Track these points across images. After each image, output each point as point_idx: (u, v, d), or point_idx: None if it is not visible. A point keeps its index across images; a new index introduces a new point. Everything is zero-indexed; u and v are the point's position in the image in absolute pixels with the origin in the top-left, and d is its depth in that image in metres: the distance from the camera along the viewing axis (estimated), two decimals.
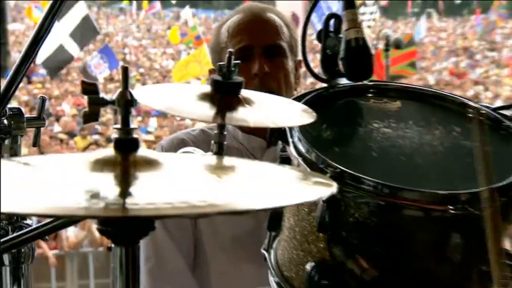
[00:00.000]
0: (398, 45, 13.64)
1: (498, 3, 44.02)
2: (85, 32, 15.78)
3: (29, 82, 24.77)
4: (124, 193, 1.25)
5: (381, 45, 13.57)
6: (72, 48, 15.79)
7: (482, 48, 36.69)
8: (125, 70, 1.31)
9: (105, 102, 1.33)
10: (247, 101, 1.63)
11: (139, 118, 19.47)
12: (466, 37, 40.07)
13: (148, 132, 18.43)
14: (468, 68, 30.70)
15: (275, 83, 2.75)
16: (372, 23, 21.04)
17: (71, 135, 17.60)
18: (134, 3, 47.17)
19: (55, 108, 20.50)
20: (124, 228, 1.31)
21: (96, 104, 1.32)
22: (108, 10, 51.57)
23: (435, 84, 25.42)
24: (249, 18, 2.90)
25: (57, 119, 19.12)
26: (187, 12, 43.40)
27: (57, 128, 18.15)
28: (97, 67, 19.81)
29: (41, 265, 11.83)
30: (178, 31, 33.28)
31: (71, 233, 12.07)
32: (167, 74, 28.01)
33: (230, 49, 2.69)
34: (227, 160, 1.52)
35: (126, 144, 1.31)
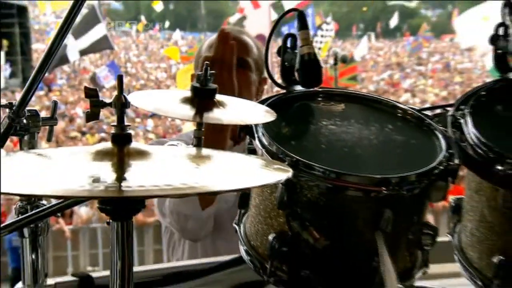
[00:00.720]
0: (344, 60, 13.72)
1: (424, 28, 44.48)
2: (99, 47, 15.57)
3: (50, 90, 24.65)
4: (120, 178, 1.25)
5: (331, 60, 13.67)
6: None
7: (411, 63, 37.01)
8: (120, 79, 1.30)
9: (104, 104, 1.32)
10: (221, 104, 1.62)
11: (138, 119, 19.50)
12: (399, 55, 40.35)
13: (147, 131, 18.50)
14: (400, 79, 30.93)
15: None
16: (329, 39, 21.06)
17: (83, 133, 17.64)
18: (134, 26, 47.20)
19: (70, 111, 20.55)
20: (120, 207, 1.30)
21: (96, 106, 1.31)
22: (113, 32, 51.69)
23: (374, 91, 25.60)
24: (236, 38, 2.83)
25: (71, 120, 19.18)
26: (177, 34, 43.64)
27: (71, 127, 18.22)
28: (106, 78, 19.84)
29: (59, 238, 12.00)
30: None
31: (83, 212, 12.15)
32: (161, 84, 28.07)
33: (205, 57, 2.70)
34: (204, 151, 1.51)
35: (121, 138, 1.30)
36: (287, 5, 18.19)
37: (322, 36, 20.94)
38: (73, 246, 12.11)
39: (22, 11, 26.69)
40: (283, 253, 1.63)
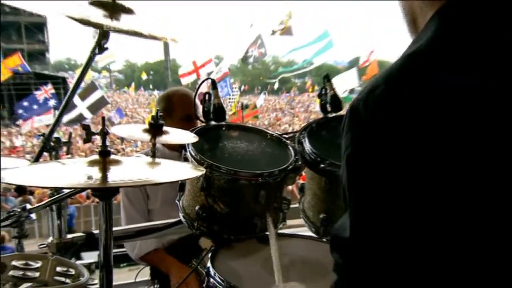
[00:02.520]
0: (247, 106, 13.88)
1: (294, 89, 45.11)
2: (99, 104, 14.84)
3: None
4: (104, 176, 1.20)
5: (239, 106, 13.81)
6: (88, 114, 14.83)
7: (287, 108, 37.44)
8: (103, 119, 1.25)
9: (93, 133, 1.27)
10: (167, 132, 1.60)
11: (132, 141, 18.99)
12: (280, 104, 40.65)
13: (137, 146, 17.94)
14: (281, 117, 31.22)
15: None
16: (237, 95, 20.78)
17: None
18: (130, 88, 46.50)
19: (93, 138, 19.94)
20: (104, 193, 1.26)
21: (88, 134, 1.26)
22: (118, 91, 50.90)
23: (267, 124, 25.72)
24: (188, 97, 2.67)
25: (93, 142, 18.54)
26: (155, 92, 43.39)
27: (94, 147, 17.66)
28: (115, 117, 19.23)
29: (87, 210, 11.61)
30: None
31: None
32: (146, 121, 27.57)
33: (178, 113, 2.56)
34: (157, 160, 1.47)
35: (104, 153, 1.25)
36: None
37: (234, 94, 20.71)
38: (95, 214, 11.73)
39: (65, 80, 26.86)
40: (203, 217, 1.62)
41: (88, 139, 1.26)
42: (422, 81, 0.73)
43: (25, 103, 17.33)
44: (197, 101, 2.06)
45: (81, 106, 14.53)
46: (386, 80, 0.76)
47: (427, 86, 0.72)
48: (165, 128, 1.58)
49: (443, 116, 0.70)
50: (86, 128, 1.25)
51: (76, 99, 14.07)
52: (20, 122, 18.59)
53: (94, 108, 14.84)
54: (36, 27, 38.44)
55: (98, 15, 1.48)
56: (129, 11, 1.55)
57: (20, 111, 17.48)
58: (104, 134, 1.23)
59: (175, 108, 2.63)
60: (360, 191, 0.79)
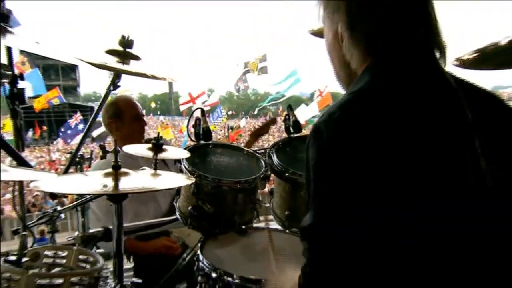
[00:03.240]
0: (232, 128, 13.82)
1: (269, 114, 44.62)
2: None
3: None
4: (116, 185, 1.18)
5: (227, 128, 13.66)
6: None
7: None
8: (115, 141, 1.24)
9: (108, 151, 1.26)
10: (165, 150, 1.58)
11: None
12: (259, 125, 39.95)
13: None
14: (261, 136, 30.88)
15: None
16: (224, 118, 20.41)
17: None
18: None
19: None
20: (116, 197, 1.24)
21: (104, 152, 1.25)
22: None
23: (248, 141, 25.38)
24: (131, 100, 2.39)
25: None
26: (161, 117, 42.87)
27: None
28: None
29: None
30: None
31: None
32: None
33: (127, 114, 2.29)
34: (158, 171, 1.45)
35: (116, 167, 1.24)
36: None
37: (222, 116, 20.25)
38: None
39: (92, 109, 26.65)
40: (195, 215, 1.59)
41: (103, 156, 1.24)
42: (366, 109, 0.82)
43: (63, 129, 17.65)
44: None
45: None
46: (340, 108, 0.83)
47: (371, 112, 0.81)
48: (164, 146, 1.56)
49: (383, 130, 0.79)
50: (102, 147, 1.23)
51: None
52: (56, 142, 18.57)
53: None
54: (70, 68, 38.22)
55: (112, 61, 1.47)
56: (136, 57, 1.55)
57: (61, 135, 17.81)
58: (116, 152, 1.22)
59: (124, 110, 2.31)
60: (322, 188, 0.81)
